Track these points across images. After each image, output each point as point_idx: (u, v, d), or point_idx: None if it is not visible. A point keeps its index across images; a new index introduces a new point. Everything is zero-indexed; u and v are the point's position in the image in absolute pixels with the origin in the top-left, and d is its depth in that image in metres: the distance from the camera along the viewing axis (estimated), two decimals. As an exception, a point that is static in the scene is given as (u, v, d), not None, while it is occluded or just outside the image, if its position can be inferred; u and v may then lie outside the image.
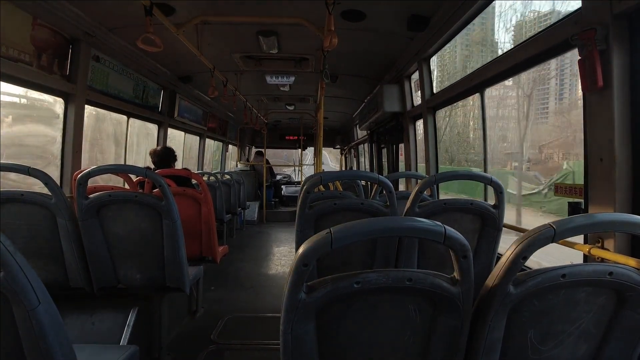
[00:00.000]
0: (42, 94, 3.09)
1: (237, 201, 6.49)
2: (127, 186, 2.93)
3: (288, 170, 14.16)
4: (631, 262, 1.38)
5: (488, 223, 1.90)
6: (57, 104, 3.27)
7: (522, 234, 0.91)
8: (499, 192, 1.85)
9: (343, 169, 11.69)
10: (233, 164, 10.21)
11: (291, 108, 7.72)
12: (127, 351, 1.59)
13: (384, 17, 3.23)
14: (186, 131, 6.47)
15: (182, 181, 3.31)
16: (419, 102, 4.08)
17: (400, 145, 5.23)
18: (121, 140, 4.59)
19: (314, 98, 6.53)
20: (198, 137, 7.14)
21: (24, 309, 0.87)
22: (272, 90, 6.20)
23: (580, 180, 1.85)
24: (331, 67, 4.12)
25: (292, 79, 5.33)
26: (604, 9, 1.53)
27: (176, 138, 6.42)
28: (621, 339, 0.94)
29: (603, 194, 1.61)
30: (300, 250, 0.83)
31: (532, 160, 7.53)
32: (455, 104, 3.58)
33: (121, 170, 2.63)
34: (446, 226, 0.84)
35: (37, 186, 2.20)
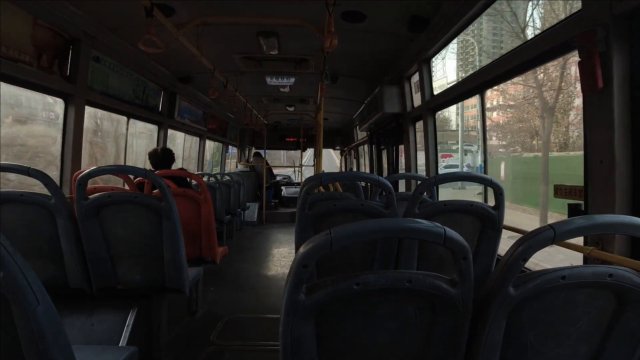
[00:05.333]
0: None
1: (236, 202, 6.48)
2: (126, 187, 2.93)
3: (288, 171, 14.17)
4: (631, 263, 1.38)
5: (488, 224, 1.89)
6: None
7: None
8: (499, 193, 1.85)
9: (343, 170, 11.70)
10: (232, 165, 10.22)
11: (291, 109, 7.73)
12: (126, 352, 1.59)
13: (384, 18, 3.23)
14: (186, 132, 6.47)
15: (182, 182, 3.31)
16: (419, 103, 4.08)
17: (400, 146, 5.23)
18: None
19: (314, 99, 6.53)
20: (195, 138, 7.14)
21: (23, 310, 0.87)
22: (272, 91, 6.21)
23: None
24: (331, 68, 4.13)
25: (292, 80, 5.33)
26: (604, 10, 1.53)
27: (176, 141, 6.43)
28: (621, 341, 0.94)
29: (603, 196, 1.61)
30: (300, 251, 0.83)
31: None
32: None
33: (121, 171, 2.63)
34: (446, 227, 0.84)
35: (37, 187, 2.20)
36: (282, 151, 16.72)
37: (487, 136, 3.14)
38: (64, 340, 0.98)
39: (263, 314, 3.30)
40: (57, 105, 3.42)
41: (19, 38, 2.64)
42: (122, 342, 2.15)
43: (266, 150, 9.30)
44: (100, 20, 3.22)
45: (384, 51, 4.06)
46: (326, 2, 2.46)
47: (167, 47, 2.83)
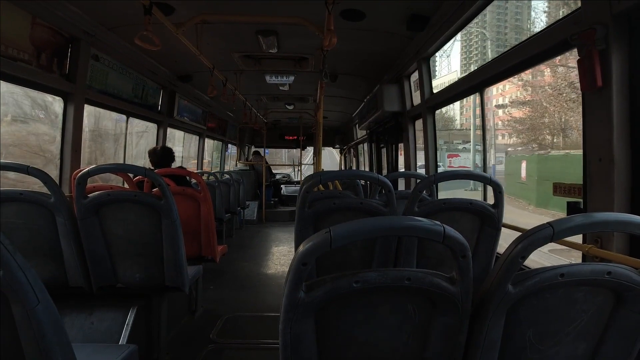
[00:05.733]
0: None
1: (236, 200, 6.48)
2: (126, 185, 2.93)
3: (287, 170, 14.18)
4: (630, 261, 1.38)
5: (487, 223, 1.90)
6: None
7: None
8: (498, 191, 1.86)
9: (342, 168, 11.70)
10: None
11: (291, 107, 7.72)
12: (126, 350, 1.59)
13: (384, 16, 3.23)
14: (185, 131, 6.46)
15: (181, 181, 3.31)
16: (419, 101, 4.08)
17: (399, 144, 5.23)
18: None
19: (313, 97, 6.53)
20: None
21: (23, 308, 0.87)
22: (271, 90, 6.20)
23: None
24: (331, 66, 4.12)
25: (292, 78, 5.32)
26: (604, 9, 1.53)
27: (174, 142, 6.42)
28: (619, 338, 0.94)
29: (602, 194, 1.61)
30: (300, 249, 0.83)
31: None
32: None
33: (120, 169, 2.63)
34: (445, 226, 0.84)
35: (36, 185, 2.20)
36: (283, 150, 16.66)
37: (487, 135, 3.14)
38: (64, 339, 0.98)
39: (263, 312, 3.31)
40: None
41: (18, 37, 2.63)
42: (122, 340, 2.15)
43: (267, 150, 9.27)
44: (99, 19, 3.22)
45: (383, 50, 4.06)
46: (325, 0, 2.46)
47: (166, 45, 2.83)
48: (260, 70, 4.95)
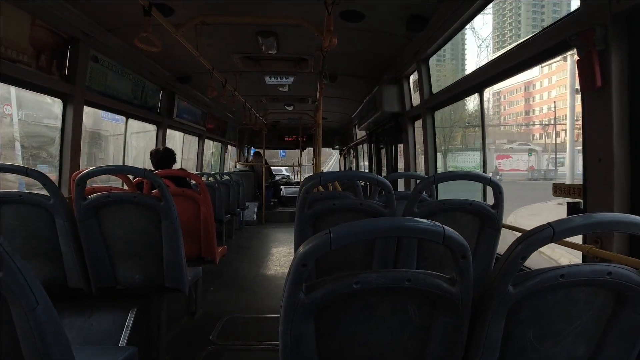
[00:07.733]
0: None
1: (236, 202, 6.48)
2: (125, 187, 2.92)
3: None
4: (630, 262, 1.38)
5: (487, 223, 1.90)
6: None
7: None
8: (498, 192, 1.86)
9: (342, 169, 11.70)
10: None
11: (290, 108, 7.72)
12: (125, 352, 1.59)
13: (383, 17, 3.23)
14: (185, 132, 6.46)
15: (181, 182, 3.31)
16: (418, 102, 4.08)
17: (399, 145, 5.23)
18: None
19: (313, 98, 6.53)
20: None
21: (23, 310, 0.87)
22: (271, 91, 6.21)
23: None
24: (330, 67, 4.13)
25: (291, 79, 5.33)
26: (603, 10, 1.54)
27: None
28: (620, 339, 0.94)
29: (601, 194, 1.61)
30: (300, 250, 0.83)
31: None
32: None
33: (120, 171, 2.63)
34: (445, 226, 0.84)
35: (36, 187, 2.19)
36: (302, 152, 16.62)
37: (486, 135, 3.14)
38: (64, 341, 0.98)
39: (262, 313, 3.30)
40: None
41: (18, 38, 2.63)
42: (122, 342, 2.14)
43: (283, 152, 9.27)
44: (98, 20, 3.22)
45: (382, 50, 4.06)
46: (325, 1, 2.46)
47: (165, 47, 2.83)
48: (260, 72, 4.95)
